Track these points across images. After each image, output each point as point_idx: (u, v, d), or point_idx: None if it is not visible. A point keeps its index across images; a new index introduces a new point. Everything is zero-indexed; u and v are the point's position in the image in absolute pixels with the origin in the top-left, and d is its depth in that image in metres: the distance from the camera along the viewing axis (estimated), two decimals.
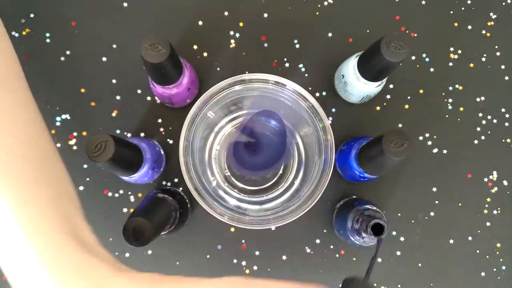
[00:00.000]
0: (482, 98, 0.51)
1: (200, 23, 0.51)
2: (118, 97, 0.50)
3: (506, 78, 0.52)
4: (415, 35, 0.52)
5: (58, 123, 0.49)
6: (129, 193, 0.49)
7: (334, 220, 0.49)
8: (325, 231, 0.50)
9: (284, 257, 0.49)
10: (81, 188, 0.49)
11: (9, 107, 0.32)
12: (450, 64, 0.52)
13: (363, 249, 0.49)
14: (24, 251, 0.28)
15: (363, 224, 0.41)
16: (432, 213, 0.50)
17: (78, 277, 0.27)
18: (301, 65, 0.51)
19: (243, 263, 0.49)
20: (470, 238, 0.50)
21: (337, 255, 0.49)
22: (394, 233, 0.50)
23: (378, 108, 0.51)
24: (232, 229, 0.49)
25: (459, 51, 0.52)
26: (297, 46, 0.51)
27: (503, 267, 0.50)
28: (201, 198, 0.42)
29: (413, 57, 0.51)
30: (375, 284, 0.49)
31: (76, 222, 0.31)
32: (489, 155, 0.51)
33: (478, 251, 0.50)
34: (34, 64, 0.50)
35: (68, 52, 0.50)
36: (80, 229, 0.31)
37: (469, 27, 0.52)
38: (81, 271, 0.27)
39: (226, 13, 0.51)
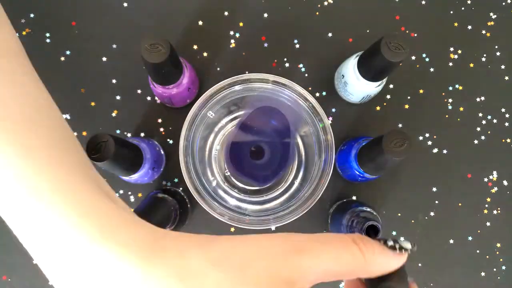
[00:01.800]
0: (482, 98, 0.51)
1: (200, 23, 0.51)
2: (118, 97, 0.50)
3: (506, 78, 0.52)
4: (415, 35, 0.52)
5: None
6: (129, 193, 0.49)
7: (329, 223, 0.48)
8: (325, 231, 0.50)
9: None
10: None
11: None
12: (450, 64, 0.52)
13: None
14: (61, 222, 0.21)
15: (357, 226, 0.41)
16: (432, 213, 0.50)
17: (131, 231, 0.22)
18: (301, 65, 0.51)
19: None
20: (470, 238, 0.50)
21: None
22: (394, 233, 0.50)
23: (378, 108, 0.51)
24: (232, 229, 0.49)
25: (459, 51, 0.52)
26: (297, 46, 0.51)
27: (503, 267, 0.50)
28: (201, 198, 0.42)
29: (413, 57, 0.51)
30: None
31: (102, 183, 0.26)
32: (489, 155, 0.51)
33: (478, 251, 0.50)
34: (34, 64, 0.50)
35: (68, 52, 0.50)
36: (109, 190, 0.26)
37: (469, 27, 0.52)
38: (132, 225, 0.22)
39: (226, 13, 0.51)
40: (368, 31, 0.51)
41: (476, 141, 0.51)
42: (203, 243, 0.21)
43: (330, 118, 0.50)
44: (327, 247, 0.22)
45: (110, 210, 0.23)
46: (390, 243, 0.23)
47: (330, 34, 0.51)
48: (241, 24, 0.51)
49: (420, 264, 0.50)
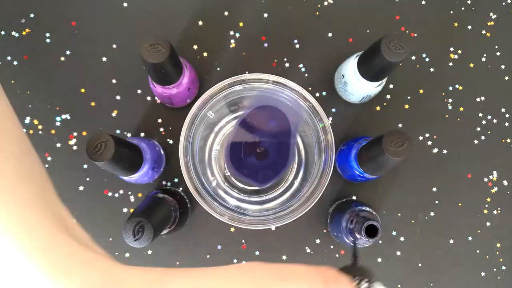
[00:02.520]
0: (482, 98, 0.51)
1: (200, 23, 0.51)
2: (118, 97, 0.50)
3: (506, 78, 0.52)
4: (415, 35, 0.52)
5: (58, 123, 0.49)
6: (129, 193, 0.49)
7: (329, 222, 0.49)
8: (325, 231, 0.50)
9: (284, 257, 0.49)
10: (81, 188, 0.49)
11: None
12: (450, 64, 0.52)
13: (362, 250, 0.49)
14: (19, 257, 0.22)
15: (357, 225, 0.41)
16: (432, 213, 0.50)
17: (85, 271, 0.23)
18: (301, 65, 0.51)
19: (243, 263, 0.49)
20: (470, 238, 0.50)
21: (337, 255, 0.49)
22: (394, 233, 0.50)
23: (378, 108, 0.51)
24: (232, 229, 0.49)
25: (459, 51, 0.52)
26: (297, 46, 0.51)
27: (503, 267, 0.50)
28: (201, 198, 0.42)
29: (413, 57, 0.51)
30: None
31: (65, 217, 0.27)
32: (489, 155, 0.51)
33: (478, 251, 0.50)
34: (34, 64, 0.50)
35: (68, 52, 0.50)
36: (71, 224, 0.26)
37: (469, 27, 0.52)
38: (86, 265, 0.23)
39: (226, 13, 0.51)
40: (368, 31, 0.51)
41: (476, 141, 0.51)
42: (160, 280, 0.21)
43: (330, 118, 0.50)
44: (291, 285, 0.21)
45: (66, 247, 0.23)
46: (364, 285, 0.22)
47: (330, 34, 0.51)
48: (241, 24, 0.51)
49: (420, 264, 0.50)
